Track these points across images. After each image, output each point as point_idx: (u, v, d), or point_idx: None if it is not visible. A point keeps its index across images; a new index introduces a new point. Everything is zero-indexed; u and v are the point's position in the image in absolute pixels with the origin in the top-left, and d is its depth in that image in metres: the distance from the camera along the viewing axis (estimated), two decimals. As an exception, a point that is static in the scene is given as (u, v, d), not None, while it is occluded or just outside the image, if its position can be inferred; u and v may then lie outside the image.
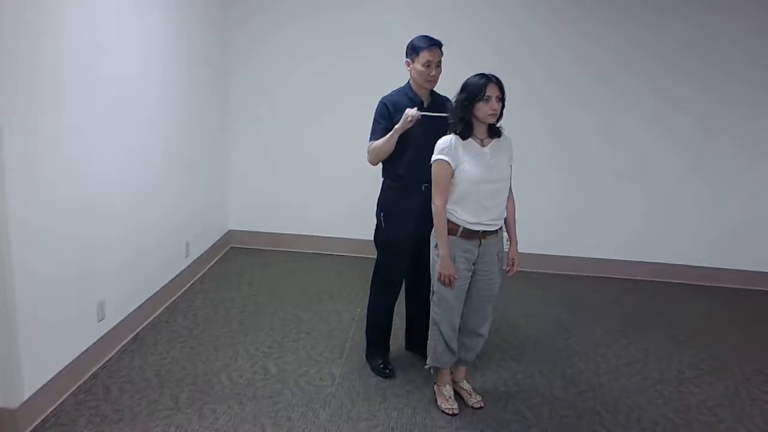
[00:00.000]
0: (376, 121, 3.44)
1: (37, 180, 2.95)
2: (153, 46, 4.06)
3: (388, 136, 3.30)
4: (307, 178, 5.57)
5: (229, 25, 5.30)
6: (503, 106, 3.06)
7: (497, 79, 3.04)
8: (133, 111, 3.84)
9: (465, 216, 3.09)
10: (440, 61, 3.33)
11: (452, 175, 3.07)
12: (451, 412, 3.29)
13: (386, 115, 3.38)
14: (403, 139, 3.34)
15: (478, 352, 3.43)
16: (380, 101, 3.45)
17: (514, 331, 4.30)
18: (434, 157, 3.08)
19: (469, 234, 3.12)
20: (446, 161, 3.04)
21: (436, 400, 3.38)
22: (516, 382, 3.65)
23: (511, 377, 3.70)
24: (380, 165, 3.55)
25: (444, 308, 3.22)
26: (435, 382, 3.45)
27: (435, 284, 3.22)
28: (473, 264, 3.19)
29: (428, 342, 3.35)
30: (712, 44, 4.96)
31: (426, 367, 3.41)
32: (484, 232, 3.13)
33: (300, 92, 5.40)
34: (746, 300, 5.09)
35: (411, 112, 3.22)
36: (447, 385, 3.40)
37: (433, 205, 3.11)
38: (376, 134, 3.42)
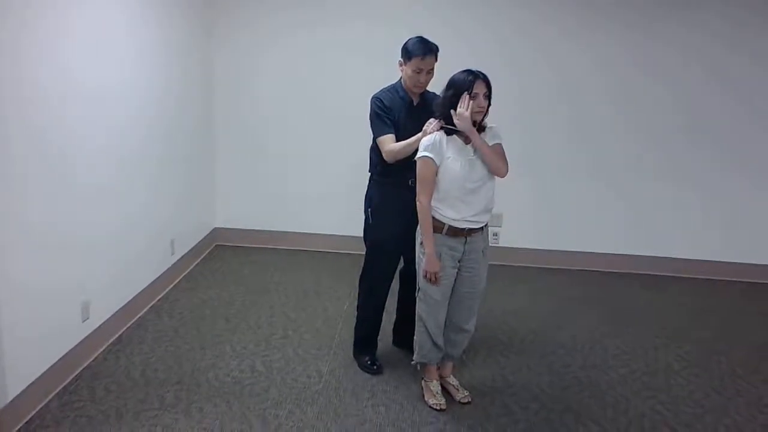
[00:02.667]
0: (376, 115, 3.38)
1: (16, 177, 2.91)
2: (137, 42, 4.01)
3: (412, 140, 3.21)
4: (294, 175, 5.54)
5: (214, 21, 5.26)
6: (489, 104, 3.05)
7: (484, 76, 3.02)
8: (117, 109, 3.80)
9: (449, 212, 3.09)
10: (432, 68, 3.30)
11: (436, 172, 3.06)
12: (438, 408, 3.28)
13: (384, 108, 3.36)
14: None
15: (464, 348, 3.43)
16: (373, 97, 3.42)
17: (500, 326, 4.31)
18: (419, 154, 3.07)
19: (454, 232, 3.12)
20: (431, 158, 3.03)
21: (423, 396, 3.37)
22: (503, 377, 3.65)
23: (499, 372, 3.71)
24: (367, 161, 3.57)
25: (430, 305, 3.22)
26: (423, 378, 3.44)
27: (420, 281, 3.23)
28: (459, 261, 3.19)
29: (414, 338, 3.36)
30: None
31: (413, 363, 3.41)
32: (470, 229, 3.13)
33: (286, 89, 5.37)
34: (730, 291, 5.13)
35: (432, 127, 3.13)
36: (434, 381, 3.40)
37: (418, 203, 3.11)
38: (381, 128, 3.37)
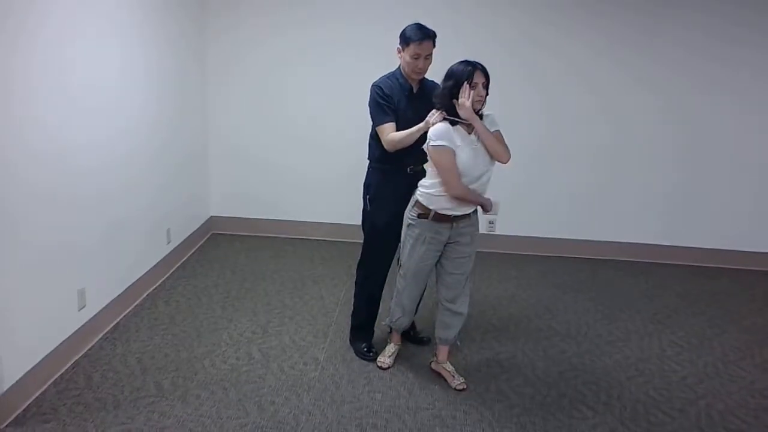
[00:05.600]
0: (376, 103, 3.35)
1: (13, 167, 2.90)
2: (132, 36, 3.99)
3: (414, 129, 3.20)
4: (289, 163, 5.53)
5: (206, 15, 5.23)
6: (487, 93, 3.06)
7: (483, 66, 3.03)
8: (114, 102, 3.80)
9: (442, 203, 3.13)
10: (430, 54, 3.27)
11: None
12: (380, 366, 3.55)
13: (384, 96, 3.34)
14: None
15: (457, 332, 3.45)
16: (373, 85, 3.40)
17: (496, 312, 4.33)
18: (434, 143, 3.04)
19: (440, 218, 3.17)
20: (448, 147, 3.02)
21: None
22: (498, 363, 3.67)
23: (494, 358, 3.73)
24: (363, 149, 3.56)
25: (408, 282, 3.39)
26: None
27: (403, 258, 3.36)
28: (444, 245, 3.26)
29: (391, 305, 3.56)
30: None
31: (383, 324, 3.69)
32: (455, 216, 3.18)
33: (280, 77, 5.35)
34: (721, 278, 5.16)
35: (435, 117, 3.13)
36: (393, 345, 3.65)
37: (455, 196, 3.08)
38: (381, 117, 3.34)
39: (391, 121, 3.32)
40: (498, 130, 3.14)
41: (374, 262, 3.62)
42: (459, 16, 5.06)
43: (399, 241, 3.58)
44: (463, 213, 3.19)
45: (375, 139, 3.45)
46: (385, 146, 3.33)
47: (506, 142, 3.15)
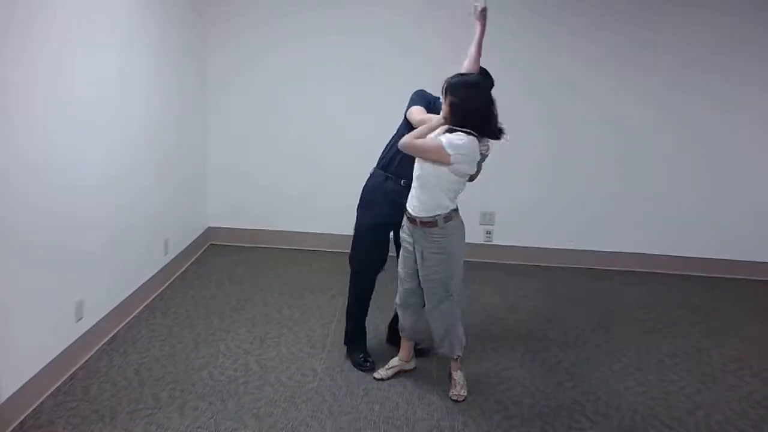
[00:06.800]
0: (417, 94, 3.44)
1: (12, 180, 2.91)
2: (132, 50, 4.01)
3: (439, 117, 3.22)
4: (287, 174, 5.54)
5: (207, 23, 5.26)
6: (452, 112, 3.07)
7: (448, 82, 3.08)
8: (113, 110, 3.81)
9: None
10: None
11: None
12: (376, 376, 3.53)
13: (425, 96, 3.42)
14: (398, 133, 3.42)
15: (435, 344, 3.47)
16: (419, 90, 3.49)
17: (494, 323, 4.33)
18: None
19: (408, 214, 3.28)
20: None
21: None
22: (496, 373, 3.67)
23: (492, 368, 3.72)
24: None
25: (399, 275, 3.45)
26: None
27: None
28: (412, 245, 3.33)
29: None
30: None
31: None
32: (412, 215, 3.23)
33: (279, 88, 5.37)
34: (721, 288, 5.16)
35: None
36: (396, 358, 3.60)
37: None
38: (418, 101, 3.40)
39: (425, 107, 3.37)
40: (439, 141, 3.04)
41: (359, 261, 3.66)
42: (460, 29, 5.05)
43: (384, 245, 3.60)
44: (412, 213, 3.23)
45: (390, 143, 3.50)
46: (412, 121, 3.34)
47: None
